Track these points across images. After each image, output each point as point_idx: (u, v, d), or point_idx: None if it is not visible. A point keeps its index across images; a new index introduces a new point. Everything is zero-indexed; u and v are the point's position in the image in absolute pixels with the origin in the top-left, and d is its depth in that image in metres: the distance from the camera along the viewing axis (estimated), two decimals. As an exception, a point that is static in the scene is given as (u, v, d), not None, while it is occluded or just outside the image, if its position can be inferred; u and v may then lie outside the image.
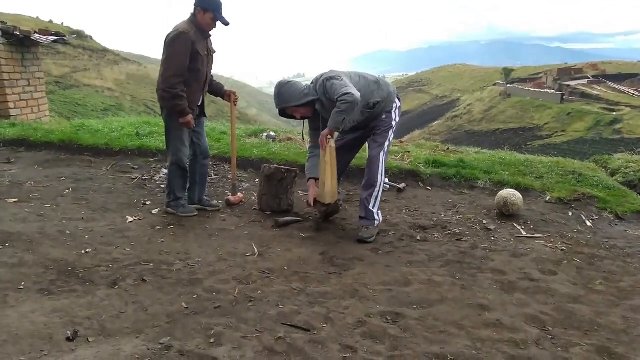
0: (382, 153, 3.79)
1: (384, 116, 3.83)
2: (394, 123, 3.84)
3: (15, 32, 7.54)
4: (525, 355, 2.25)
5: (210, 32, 3.88)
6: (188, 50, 3.66)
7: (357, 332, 2.41)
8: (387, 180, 5.08)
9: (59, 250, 3.27)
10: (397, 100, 3.87)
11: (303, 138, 3.96)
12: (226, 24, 3.84)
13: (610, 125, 46.92)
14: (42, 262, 3.07)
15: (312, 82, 3.79)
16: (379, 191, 3.78)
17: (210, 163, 5.35)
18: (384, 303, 2.72)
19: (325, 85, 3.60)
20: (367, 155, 3.83)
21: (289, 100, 3.67)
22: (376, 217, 3.77)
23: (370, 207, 3.75)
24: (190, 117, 3.82)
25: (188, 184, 4.16)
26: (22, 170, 5.21)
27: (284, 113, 3.79)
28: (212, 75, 4.06)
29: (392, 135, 3.91)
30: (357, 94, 3.44)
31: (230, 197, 4.44)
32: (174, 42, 3.65)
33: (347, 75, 3.70)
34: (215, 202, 4.37)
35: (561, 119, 52.46)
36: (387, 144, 3.83)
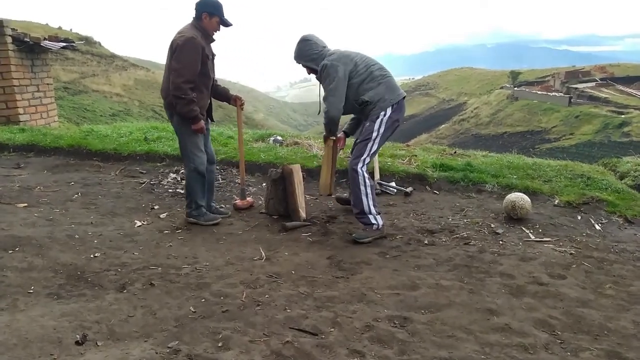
0: (359, 166, 3.75)
1: (367, 124, 3.81)
2: (374, 134, 3.74)
3: (26, 39, 7.64)
4: (535, 360, 2.24)
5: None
6: (199, 56, 3.66)
7: (365, 337, 2.41)
8: (394, 184, 5.08)
9: (68, 254, 3.30)
10: (388, 109, 3.73)
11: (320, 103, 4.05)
12: (230, 25, 3.86)
13: (619, 128, 46.61)
14: (51, 266, 3.10)
15: (328, 51, 3.85)
16: (368, 202, 3.75)
17: (218, 167, 5.39)
18: (391, 307, 2.71)
19: (322, 69, 3.74)
20: None
21: (299, 57, 3.88)
22: (373, 221, 3.77)
23: (367, 214, 3.76)
24: (202, 123, 3.83)
25: None
26: (32, 175, 5.26)
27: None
28: (215, 80, 4.06)
29: (376, 145, 3.80)
30: (336, 111, 3.73)
31: (238, 202, 4.45)
32: (185, 47, 3.61)
33: (354, 62, 3.75)
34: (223, 209, 4.35)
35: (569, 122, 52.19)
36: (365, 157, 3.77)
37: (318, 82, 3.91)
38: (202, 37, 3.74)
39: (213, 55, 3.91)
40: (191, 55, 3.62)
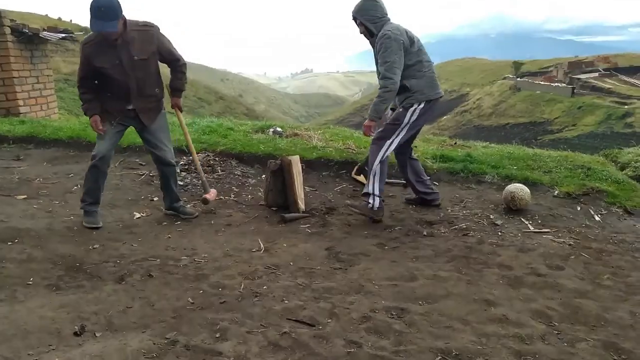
0: (381, 150, 3.81)
1: (400, 109, 3.83)
2: (404, 122, 3.78)
3: (24, 30, 7.61)
4: (531, 351, 2.24)
5: (147, 27, 3.57)
6: (83, 64, 3.55)
7: (362, 327, 2.41)
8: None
9: (67, 246, 3.31)
10: (423, 102, 3.75)
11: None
12: (97, 30, 3.34)
13: (622, 119, 46.50)
14: (50, 257, 3.11)
15: (388, 20, 3.77)
16: (373, 182, 3.86)
17: (217, 159, 5.38)
18: (389, 298, 2.72)
19: (379, 40, 3.68)
20: None
21: (360, 12, 3.78)
22: (370, 200, 3.86)
23: (371, 186, 3.85)
24: (94, 119, 3.63)
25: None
26: (31, 167, 5.26)
27: None
28: (181, 70, 3.85)
29: (404, 132, 3.82)
30: (397, 80, 3.62)
31: (206, 195, 4.15)
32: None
33: (412, 41, 3.72)
34: (190, 209, 4.13)
35: (572, 112, 52.06)
36: (389, 142, 3.81)
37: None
38: (102, 42, 3.45)
39: (129, 56, 3.51)
40: (80, 60, 3.59)
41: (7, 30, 7.43)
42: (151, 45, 3.59)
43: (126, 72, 3.56)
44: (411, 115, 3.78)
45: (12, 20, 7.60)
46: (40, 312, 2.45)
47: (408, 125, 3.80)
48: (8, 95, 7.65)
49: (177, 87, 3.92)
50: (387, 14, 3.79)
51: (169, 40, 3.73)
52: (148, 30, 3.59)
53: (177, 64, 3.82)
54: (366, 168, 4.25)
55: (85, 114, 3.72)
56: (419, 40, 3.81)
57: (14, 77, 7.61)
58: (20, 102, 7.74)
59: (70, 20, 43.22)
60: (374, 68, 3.88)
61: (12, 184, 4.59)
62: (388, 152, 3.85)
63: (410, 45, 3.72)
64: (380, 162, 3.83)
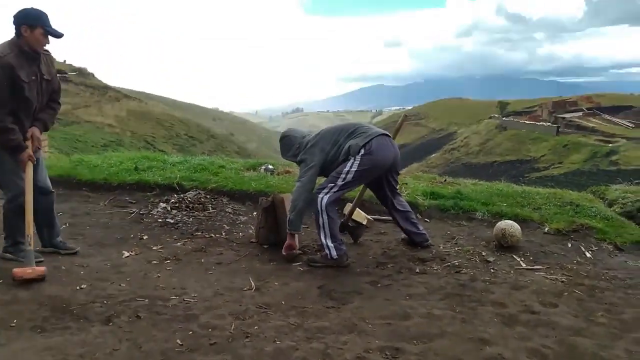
0: (320, 196, 3.78)
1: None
2: (345, 169, 3.76)
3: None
4: (528, 391, 2.20)
5: (48, 51, 3.53)
6: (7, 77, 3.23)
7: (356, 368, 2.36)
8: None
9: (53, 286, 3.23)
10: (361, 150, 3.73)
11: None
12: (59, 35, 3.38)
13: (607, 157, 47.27)
14: (36, 298, 3.03)
15: (307, 139, 4.02)
16: (320, 234, 3.81)
17: (208, 197, 5.37)
18: (383, 338, 2.67)
19: (298, 164, 4.02)
20: None
21: (283, 153, 4.19)
22: (326, 250, 3.77)
23: (322, 238, 3.80)
24: (27, 153, 3.40)
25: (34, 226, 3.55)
26: (20, 205, 5.19)
27: None
28: (55, 104, 3.70)
29: (349, 181, 3.78)
30: (303, 197, 3.79)
31: (16, 270, 3.24)
32: None
33: (322, 151, 3.88)
34: (71, 245, 3.90)
35: (557, 151, 52.91)
36: (331, 187, 3.79)
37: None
38: (20, 55, 3.30)
39: (42, 75, 3.47)
40: None
41: (1, 70, 7.48)
42: (53, 68, 3.65)
43: (37, 91, 3.45)
44: (352, 164, 3.75)
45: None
46: (23, 356, 2.38)
47: (351, 174, 3.76)
48: None
49: (44, 119, 3.61)
50: (304, 135, 4.11)
51: None
52: (50, 55, 3.63)
53: (56, 97, 3.71)
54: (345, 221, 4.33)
55: (17, 147, 3.36)
56: (331, 138, 3.92)
57: (5, 116, 7.61)
58: (11, 141, 7.71)
59: (64, 61, 43.75)
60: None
61: (1, 223, 4.51)
62: (327, 200, 3.77)
63: (323, 154, 3.87)
64: (324, 211, 3.77)
